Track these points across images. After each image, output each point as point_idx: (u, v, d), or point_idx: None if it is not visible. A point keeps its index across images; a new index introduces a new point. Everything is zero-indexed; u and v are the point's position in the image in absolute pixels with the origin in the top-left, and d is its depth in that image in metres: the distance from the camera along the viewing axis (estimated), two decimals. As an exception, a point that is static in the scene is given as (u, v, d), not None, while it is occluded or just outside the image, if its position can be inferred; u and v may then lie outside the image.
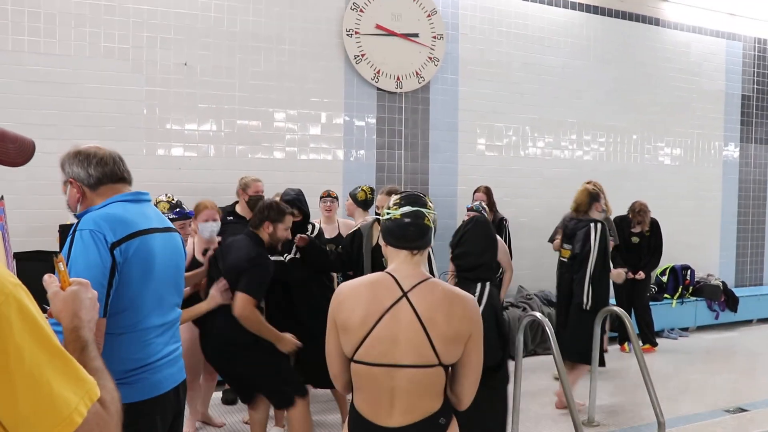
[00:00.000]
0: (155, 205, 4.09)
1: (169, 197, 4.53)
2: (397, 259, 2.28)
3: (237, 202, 5.71)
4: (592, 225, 5.42)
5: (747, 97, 10.04)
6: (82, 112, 5.92)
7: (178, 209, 4.44)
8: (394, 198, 2.35)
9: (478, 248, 3.81)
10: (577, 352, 5.37)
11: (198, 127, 6.40)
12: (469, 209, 5.35)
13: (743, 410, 5.56)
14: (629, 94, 8.89)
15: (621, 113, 8.83)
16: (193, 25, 6.33)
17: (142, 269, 2.33)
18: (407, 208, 2.27)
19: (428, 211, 2.29)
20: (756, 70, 10.08)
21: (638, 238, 7.34)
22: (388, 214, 2.31)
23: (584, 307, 5.31)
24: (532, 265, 7.73)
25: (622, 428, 5.11)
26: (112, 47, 6.02)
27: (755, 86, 10.10)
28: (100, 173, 2.40)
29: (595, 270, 5.31)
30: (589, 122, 8.60)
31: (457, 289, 2.26)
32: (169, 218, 3.84)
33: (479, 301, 3.53)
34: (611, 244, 5.99)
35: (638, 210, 7.29)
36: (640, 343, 7.01)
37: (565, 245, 5.80)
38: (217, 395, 5.51)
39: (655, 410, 4.79)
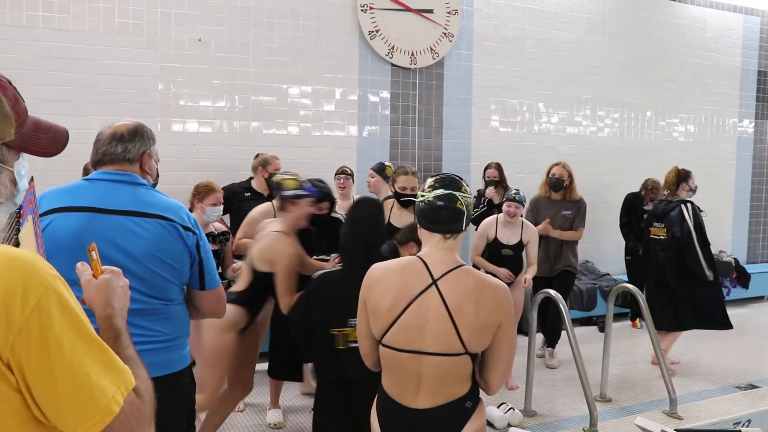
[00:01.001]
0: (280, 183, 4.05)
1: (294, 175, 4.24)
2: (430, 243, 2.29)
3: (252, 178, 5.74)
4: (682, 206, 5.90)
5: (764, 73, 9.94)
6: (97, 89, 5.94)
7: (306, 186, 4.15)
8: (429, 180, 2.34)
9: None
10: (717, 322, 5.91)
11: (212, 103, 6.41)
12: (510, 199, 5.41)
13: (755, 386, 5.59)
14: (644, 70, 8.81)
15: (635, 89, 8.77)
16: (207, 0, 6.31)
17: (49, 248, 2.23)
18: (440, 191, 2.26)
19: (462, 194, 2.27)
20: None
21: None
22: (422, 196, 2.30)
23: (708, 279, 5.82)
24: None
25: (634, 403, 5.15)
26: (126, 23, 6.02)
27: (771, 61, 10.00)
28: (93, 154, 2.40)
29: (702, 245, 5.83)
30: (604, 98, 8.55)
31: (490, 278, 2.27)
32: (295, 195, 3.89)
33: None
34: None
35: (651, 187, 7.27)
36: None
37: (657, 224, 6.10)
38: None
39: (666, 386, 4.85)
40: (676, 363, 6.14)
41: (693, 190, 6.21)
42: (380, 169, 5.63)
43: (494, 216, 5.61)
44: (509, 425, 4.64)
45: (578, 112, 8.40)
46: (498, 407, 4.77)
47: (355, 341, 2.68)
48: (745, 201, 9.92)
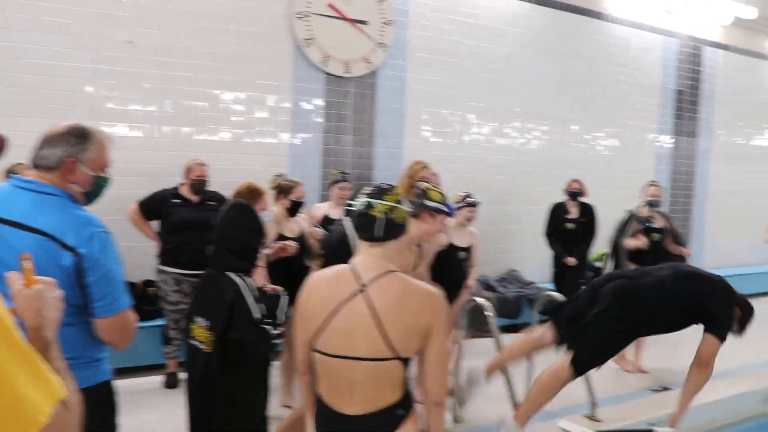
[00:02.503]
0: (426, 191, 3.77)
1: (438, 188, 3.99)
2: (361, 251, 2.36)
3: (183, 184, 5.69)
4: None
5: (681, 92, 10.44)
6: (22, 88, 5.77)
7: (448, 204, 4.00)
8: (364, 189, 2.43)
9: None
10: None
11: (143, 107, 6.32)
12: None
13: (667, 389, 5.96)
14: (572, 86, 9.14)
15: (564, 104, 9.08)
16: (139, 2, 6.23)
17: None
18: (362, 200, 2.35)
19: (383, 202, 2.32)
20: (689, 66, 10.49)
21: (573, 224, 7.52)
22: (354, 205, 2.39)
23: None
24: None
25: (557, 408, 5.30)
26: (54, 21, 5.88)
27: (688, 81, 10.51)
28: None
29: None
30: (533, 111, 8.82)
31: (419, 283, 2.33)
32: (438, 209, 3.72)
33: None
34: None
35: (571, 188, 7.48)
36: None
37: None
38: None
39: (588, 391, 5.06)
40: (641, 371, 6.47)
41: (650, 203, 6.80)
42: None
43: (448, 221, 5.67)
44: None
45: (508, 124, 8.63)
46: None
47: (198, 340, 3.05)
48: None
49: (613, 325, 4.22)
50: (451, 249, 5.44)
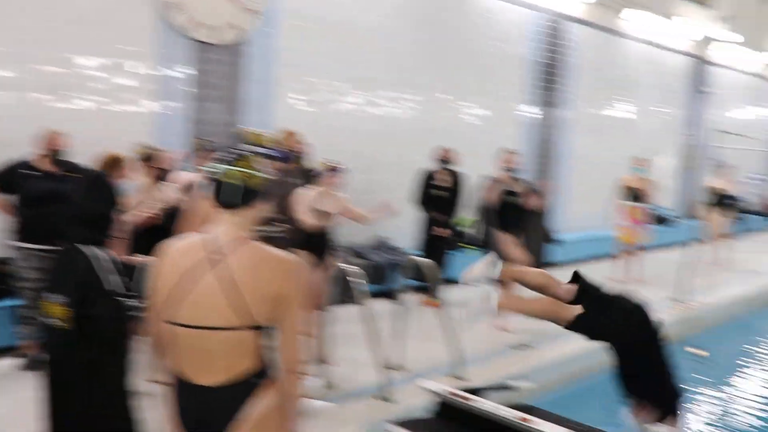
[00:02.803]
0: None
1: None
2: (216, 219, 2.32)
3: (38, 155, 5.38)
4: None
5: (545, 65, 10.93)
6: None
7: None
8: (216, 155, 2.39)
9: None
10: None
11: (-10, 71, 5.89)
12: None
13: (528, 346, 6.34)
14: (442, 56, 9.34)
15: (434, 74, 9.27)
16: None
17: None
18: (218, 166, 2.31)
19: (238, 169, 2.29)
20: (553, 40, 10.99)
21: (443, 192, 7.72)
22: (209, 171, 2.33)
23: None
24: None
25: (425, 369, 5.51)
26: None
27: (552, 55, 11.01)
28: None
29: None
30: (404, 81, 8.95)
31: (274, 251, 2.32)
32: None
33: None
34: None
35: (442, 157, 7.69)
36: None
37: None
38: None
39: (454, 351, 5.29)
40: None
41: (507, 169, 7.06)
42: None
43: (313, 188, 5.63)
44: (304, 397, 4.78)
45: (379, 94, 8.72)
46: (305, 378, 4.91)
47: (54, 318, 2.98)
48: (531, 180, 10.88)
49: (625, 326, 3.94)
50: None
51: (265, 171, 2.37)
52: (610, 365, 6.40)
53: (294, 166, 6.10)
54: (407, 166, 8.47)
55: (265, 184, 2.35)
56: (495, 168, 7.09)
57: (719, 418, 5.55)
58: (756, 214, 17.99)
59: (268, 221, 5.45)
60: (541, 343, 6.42)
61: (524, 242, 7.09)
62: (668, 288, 8.77)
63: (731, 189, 11.84)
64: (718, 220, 11.59)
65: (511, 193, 6.96)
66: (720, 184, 11.71)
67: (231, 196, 2.28)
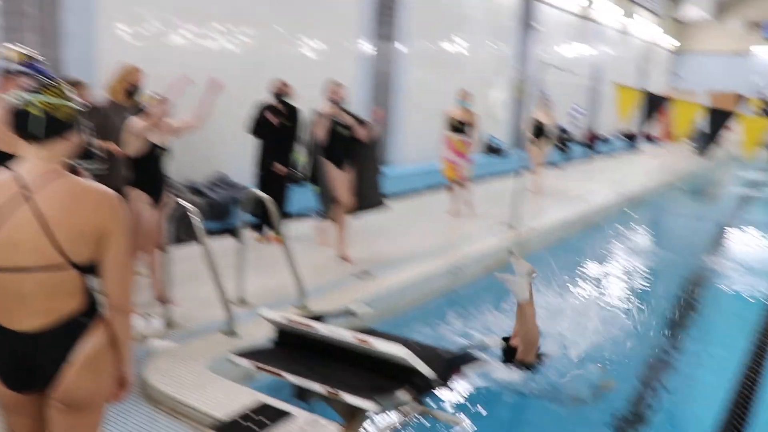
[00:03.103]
0: None
1: None
2: (23, 153, 2.17)
3: None
4: None
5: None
6: None
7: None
8: (19, 83, 2.21)
9: None
10: None
11: None
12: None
13: (368, 274, 6.52)
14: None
15: (269, 6, 9.03)
16: None
17: None
18: (21, 95, 2.14)
19: (42, 98, 2.14)
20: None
21: (279, 125, 7.57)
22: (11, 101, 2.15)
23: None
24: (180, 155, 7.71)
25: (269, 303, 5.54)
26: None
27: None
28: None
29: None
30: (236, 13, 8.64)
31: (93, 185, 2.21)
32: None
33: None
34: None
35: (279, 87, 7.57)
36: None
37: None
38: None
39: (296, 283, 5.36)
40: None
41: (335, 102, 6.94)
42: None
43: (142, 121, 5.34)
44: (145, 337, 4.69)
45: (213, 27, 8.37)
46: (145, 318, 4.79)
47: None
48: (367, 113, 10.99)
49: None
50: (153, 149, 5.23)
51: (75, 101, 2.23)
52: (447, 287, 6.80)
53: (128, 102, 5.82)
54: (241, 101, 8.25)
55: (74, 114, 2.21)
56: (323, 101, 7.06)
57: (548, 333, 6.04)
58: (579, 145, 19.41)
59: (87, 155, 5.18)
60: (381, 271, 6.63)
61: (357, 174, 7.17)
62: (501, 215, 9.32)
63: (551, 121, 12.48)
64: (539, 150, 12.22)
65: (340, 125, 6.98)
66: (541, 116, 12.23)
67: (34, 127, 2.13)
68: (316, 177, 7.29)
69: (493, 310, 6.50)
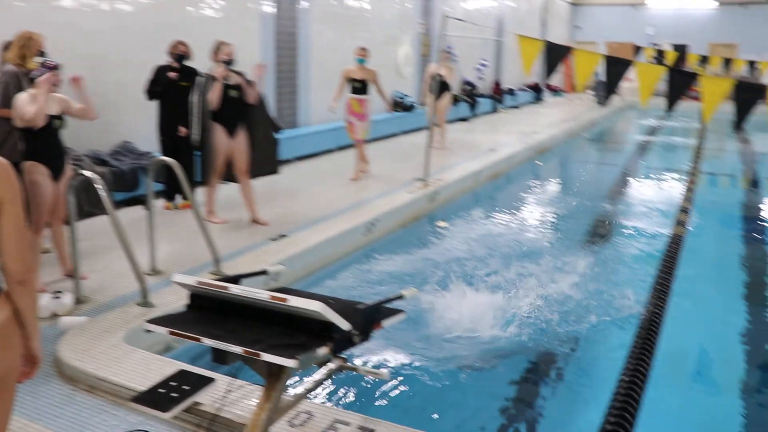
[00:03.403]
0: None
1: None
2: None
3: None
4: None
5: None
6: None
7: None
8: None
9: None
10: None
11: None
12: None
13: (284, 236, 6.47)
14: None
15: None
16: None
17: None
18: None
19: None
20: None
21: (179, 88, 7.33)
22: None
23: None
24: (80, 125, 7.39)
25: (184, 270, 5.46)
26: None
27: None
28: None
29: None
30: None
31: None
32: None
33: None
34: None
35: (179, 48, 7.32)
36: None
37: None
38: None
39: (210, 249, 5.28)
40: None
41: (227, 62, 6.73)
42: None
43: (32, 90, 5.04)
44: (55, 314, 4.53)
45: (103, -13, 7.98)
46: (54, 295, 4.63)
47: None
48: (271, 74, 10.80)
49: None
50: (50, 121, 4.97)
51: None
52: (364, 243, 6.85)
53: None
54: (140, 64, 7.94)
55: None
56: (213, 63, 6.86)
57: (461, 274, 6.20)
58: (486, 98, 19.71)
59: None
60: (295, 231, 6.62)
61: (251, 137, 7.02)
62: (412, 170, 9.43)
63: (452, 76, 12.35)
64: (441, 105, 12.06)
65: (230, 87, 6.78)
66: (442, 71, 11.80)
67: None
68: (201, 144, 7.04)
69: (408, 262, 6.62)
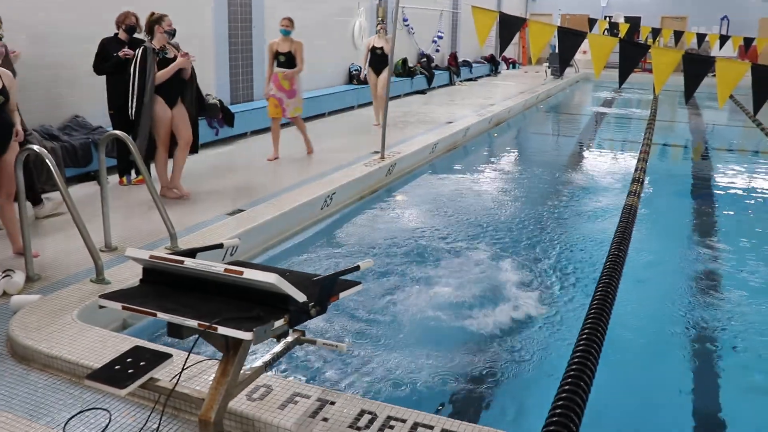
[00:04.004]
0: None
1: None
2: None
3: None
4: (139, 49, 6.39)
5: None
6: None
7: None
8: None
9: None
10: None
11: None
12: None
13: (241, 210, 6.42)
14: None
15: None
16: None
17: None
18: None
19: None
20: None
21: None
22: None
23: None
24: (29, 98, 7.17)
25: (139, 246, 5.39)
26: None
27: None
28: None
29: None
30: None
31: None
32: None
33: None
34: None
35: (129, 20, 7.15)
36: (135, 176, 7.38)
37: None
38: None
39: (166, 224, 5.21)
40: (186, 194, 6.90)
41: (170, 33, 6.65)
42: None
43: None
44: (5, 293, 4.44)
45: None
46: (4, 274, 4.53)
47: None
48: (225, 46, 10.63)
49: None
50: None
51: None
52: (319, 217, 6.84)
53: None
54: (88, 37, 7.72)
55: None
56: (155, 35, 6.68)
57: (416, 246, 6.26)
58: (442, 70, 19.71)
59: None
60: (252, 206, 6.58)
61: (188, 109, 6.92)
62: (370, 144, 9.41)
63: (389, 47, 10.82)
64: (381, 79, 11.33)
65: (168, 59, 6.66)
66: (381, 43, 11.38)
67: None
68: (135, 119, 6.80)
69: (366, 234, 6.65)
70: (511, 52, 27.82)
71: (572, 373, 3.68)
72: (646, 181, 8.68)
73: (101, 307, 2.71)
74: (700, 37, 16.77)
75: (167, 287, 2.73)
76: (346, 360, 4.23)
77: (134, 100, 6.46)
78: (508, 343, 4.66)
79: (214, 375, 2.76)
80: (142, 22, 6.97)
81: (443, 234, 6.76)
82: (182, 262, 2.59)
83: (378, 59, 11.41)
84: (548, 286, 5.66)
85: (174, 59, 6.64)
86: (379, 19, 10.93)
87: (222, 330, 2.38)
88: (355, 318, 4.83)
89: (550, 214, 7.73)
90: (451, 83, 20.07)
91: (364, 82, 14.59)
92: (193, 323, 2.43)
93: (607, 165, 11.22)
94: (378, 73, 11.46)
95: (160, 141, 6.72)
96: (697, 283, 5.89)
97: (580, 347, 4.00)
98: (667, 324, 5.10)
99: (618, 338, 4.46)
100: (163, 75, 6.51)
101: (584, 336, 4.13)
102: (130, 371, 2.74)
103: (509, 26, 7.79)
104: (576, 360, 3.83)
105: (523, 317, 5.02)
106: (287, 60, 8.57)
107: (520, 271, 5.87)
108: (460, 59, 21.54)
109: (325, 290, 2.74)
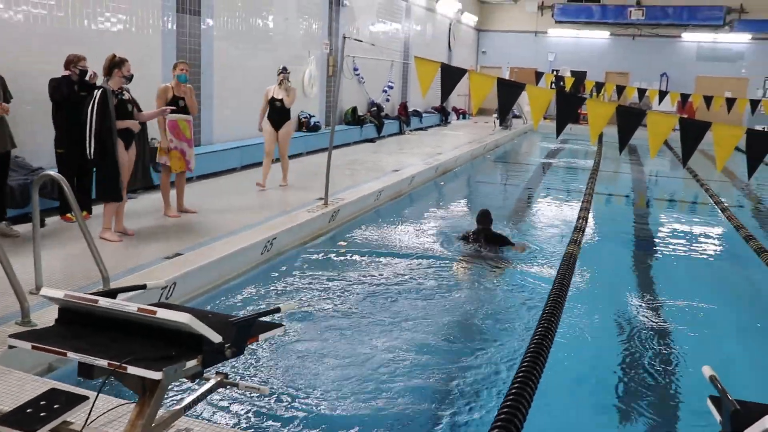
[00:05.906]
0: None
1: None
2: None
3: None
4: (96, 91, 6.44)
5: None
6: None
7: None
8: None
9: None
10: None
11: None
12: None
13: (180, 254, 6.39)
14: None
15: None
16: None
17: None
18: None
19: None
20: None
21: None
22: None
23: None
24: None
25: (75, 287, 5.28)
26: None
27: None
28: None
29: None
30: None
31: None
32: None
33: None
34: None
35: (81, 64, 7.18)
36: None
37: None
38: None
39: (99, 267, 5.14)
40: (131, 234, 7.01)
41: (128, 78, 6.78)
42: None
43: None
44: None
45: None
46: None
47: None
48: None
49: None
50: None
51: None
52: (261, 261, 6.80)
53: None
54: (34, 77, 7.70)
55: None
56: (113, 77, 6.72)
57: (351, 294, 6.28)
58: (392, 119, 20.01)
59: None
60: (191, 249, 6.53)
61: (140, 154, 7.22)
62: (316, 191, 9.46)
63: (291, 100, 9.95)
64: (282, 134, 10.06)
65: (129, 102, 6.89)
66: (280, 94, 9.89)
67: None
68: (104, 158, 6.77)
69: (304, 280, 6.65)
70: (461, 102, 28.42)
71: (503, 417, 3.73)
72: (586, 229, 8.91)
73: (11, 347, 2.66)
74: (641, 92, 17.41)
75: (82, 327, 2.70)
76: (269, 403, 4.19)
77: (92, 140, 6.45)
78: (443, 390, 4.68)
79: (128, 417, 2.71)
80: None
81: (379, 281, 6.80)
82: (96, 301, 2.57)
83: (277, 111, 9.88)
84: (482, 331, 5.72)
85: (129, 101, 6.86)
86: (281, 67, 10.00)
87: (132, 369, 2.36)
88: (282, 361, 4.81)
89: (496, 257, 7.84)
90: (401, 132, 20.36)
91: (311, 129, 14.76)
92: (103, 363, 2.40)
93: (552, 213, 11.47)
94: (277, 127, 9.93)
95: (123, 184, 6.85)
96: (632, 330, 6.01)
97: (513, 390, 4.06)
98: (603, 372, 5.20)
99: (551, 384, 4.52)
100: (130, 123, 6.83)
101: (517, 383, 4.19)
102: (42, 414, 2.68)
103: (451, 76, 7.99)
104: (507, 404, 3.88)
105: (456, 368, 5.01)
106: (185, 107, 7.92)
107: (457, 320, 5.92)
108: (411, 109, 21.90)
109: (242, 331, 2.74)
